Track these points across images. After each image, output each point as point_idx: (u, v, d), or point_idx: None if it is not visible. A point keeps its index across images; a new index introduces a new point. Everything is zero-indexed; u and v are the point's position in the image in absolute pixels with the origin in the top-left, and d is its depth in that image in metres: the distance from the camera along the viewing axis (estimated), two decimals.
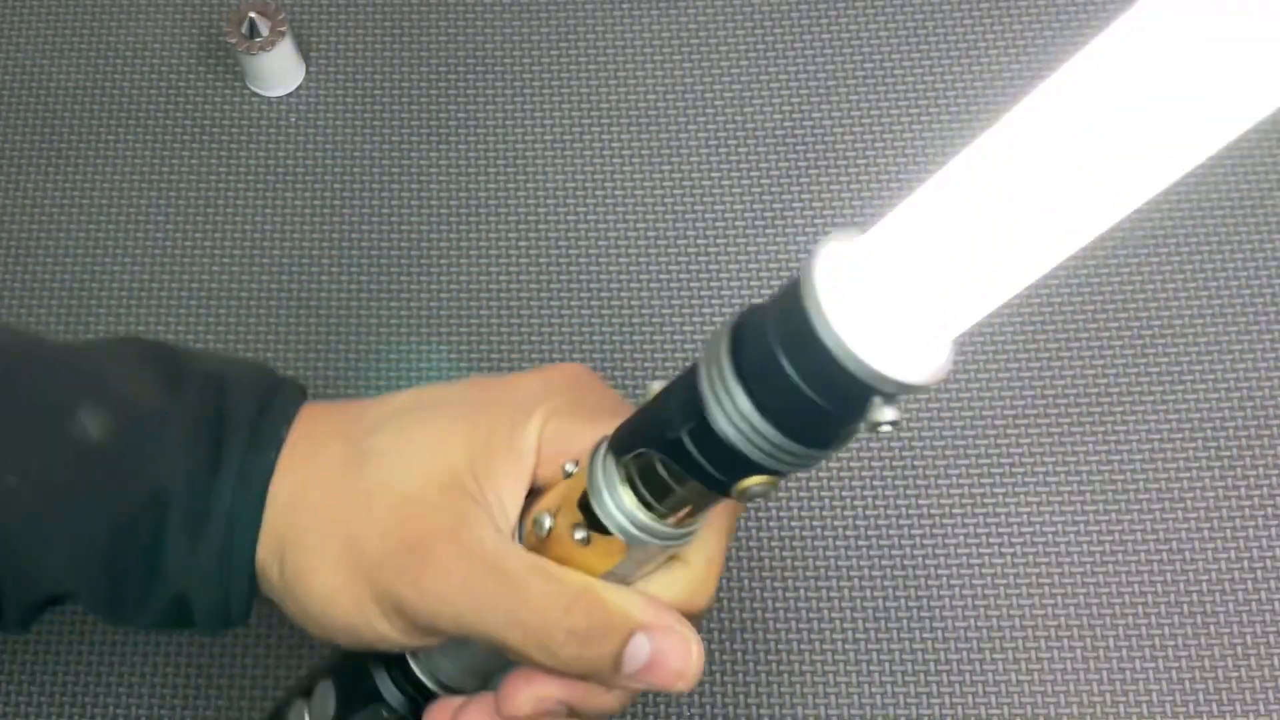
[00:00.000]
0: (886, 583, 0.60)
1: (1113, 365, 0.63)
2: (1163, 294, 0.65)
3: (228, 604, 0.39)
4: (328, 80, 0.71)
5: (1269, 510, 0.61)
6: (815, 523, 0.61)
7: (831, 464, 0.62)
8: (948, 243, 0.29)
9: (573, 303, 0.65)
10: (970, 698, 0.58)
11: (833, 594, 0.60)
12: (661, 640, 0.36)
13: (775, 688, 0.59)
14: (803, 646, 0.59)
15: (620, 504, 0.36)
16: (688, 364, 0.36)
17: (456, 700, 0.40)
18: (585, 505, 0.37)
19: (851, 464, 0.62)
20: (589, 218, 0.67)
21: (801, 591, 0.60)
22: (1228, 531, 0.60)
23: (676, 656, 0.36)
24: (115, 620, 0.40)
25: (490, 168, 0.69)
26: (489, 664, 0.41)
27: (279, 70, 0.69)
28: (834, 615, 0.60)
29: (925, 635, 0.59)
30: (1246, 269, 0.65)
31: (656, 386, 0.37)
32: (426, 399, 0.40)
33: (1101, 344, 0.64)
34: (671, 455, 0.35)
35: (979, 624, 0.59)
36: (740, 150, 0.68)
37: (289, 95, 0.71)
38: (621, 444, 0.36)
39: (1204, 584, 0.60)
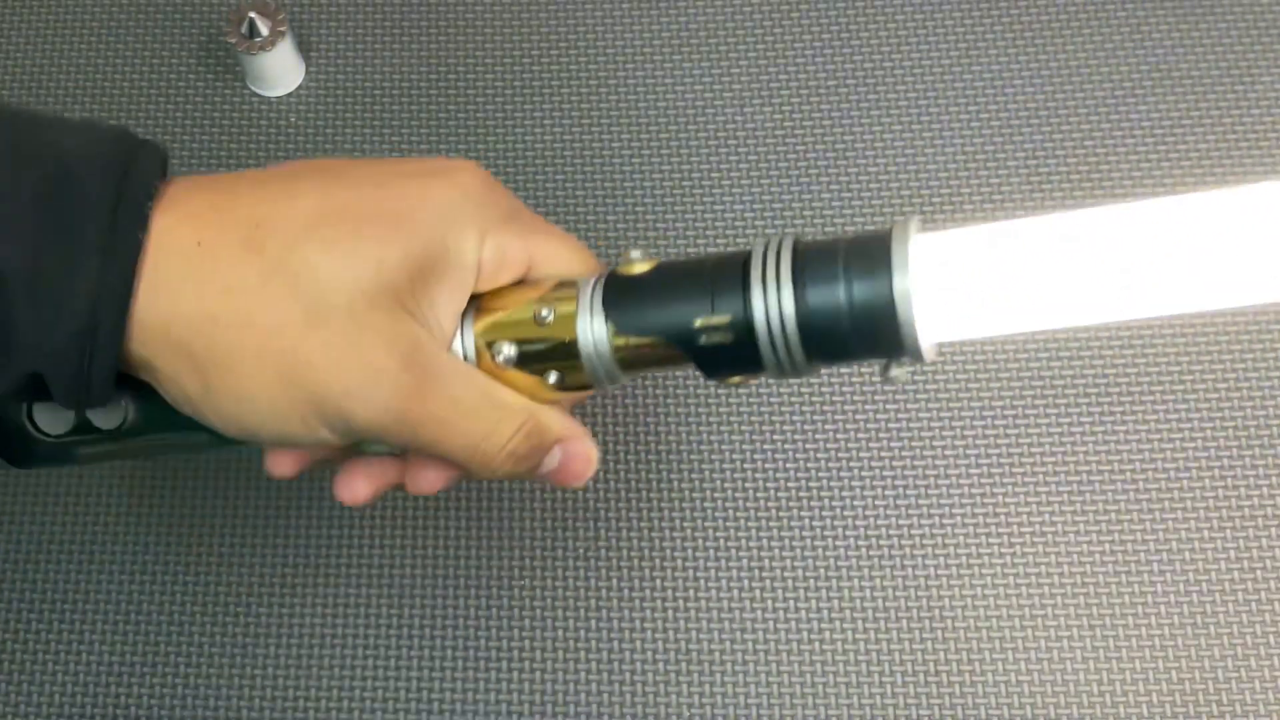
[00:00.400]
0: (886, 583, 0.60)
1: (1113, 365, 0.63)
2: None
3: (89, 384, 0.38)
4: (328, 80, 0.71)
5: (1269, 510, 0.61)
6: (815, 523, 0.61)
7: (832, 463, 0.62)
8: (1000, 269, 0.37)
9: None
10: (970, 698, 0.58)
11: (833, 594, 0.60)
12: (571, 448, 0.42)
13: (775, 688, 0.59)
14: (803, 647, 0.59)
15: (610, 370, 0.41)
16: (704, 256, 0.41)
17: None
18: (562, 354, 0.41)
19: (852, 464, 0.62)
20: (588, 218, 0.67)
21: (801, 592, 0.60)
22: (1228, 531, 0.60)
23: (581, 461, 0.42)
24: None
25: (490, 167, 0.69)
26: None
27: (279, 70, 0.69)
28: (834, 615, 0.60)
29: (925, 635, 0.59)
30: None
31: (638, 255, 0.41)
32: (339, 206, 0.39)
33: (1102, 343, 0.64)
34: (689, 351, 0.40)
35: (979, 624, 0.59)
36: (740, 150, 0.68)
37: (289, 95, 0.71)
38: (632, 324, 0.40)
39: (1204, 584, 0.60)
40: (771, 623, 0.60)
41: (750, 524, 0.61)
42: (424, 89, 0.71)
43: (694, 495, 0.62)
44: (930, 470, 0.62)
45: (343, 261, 0.38)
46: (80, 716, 0.59)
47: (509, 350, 0.41)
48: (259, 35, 0.67)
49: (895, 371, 0.39)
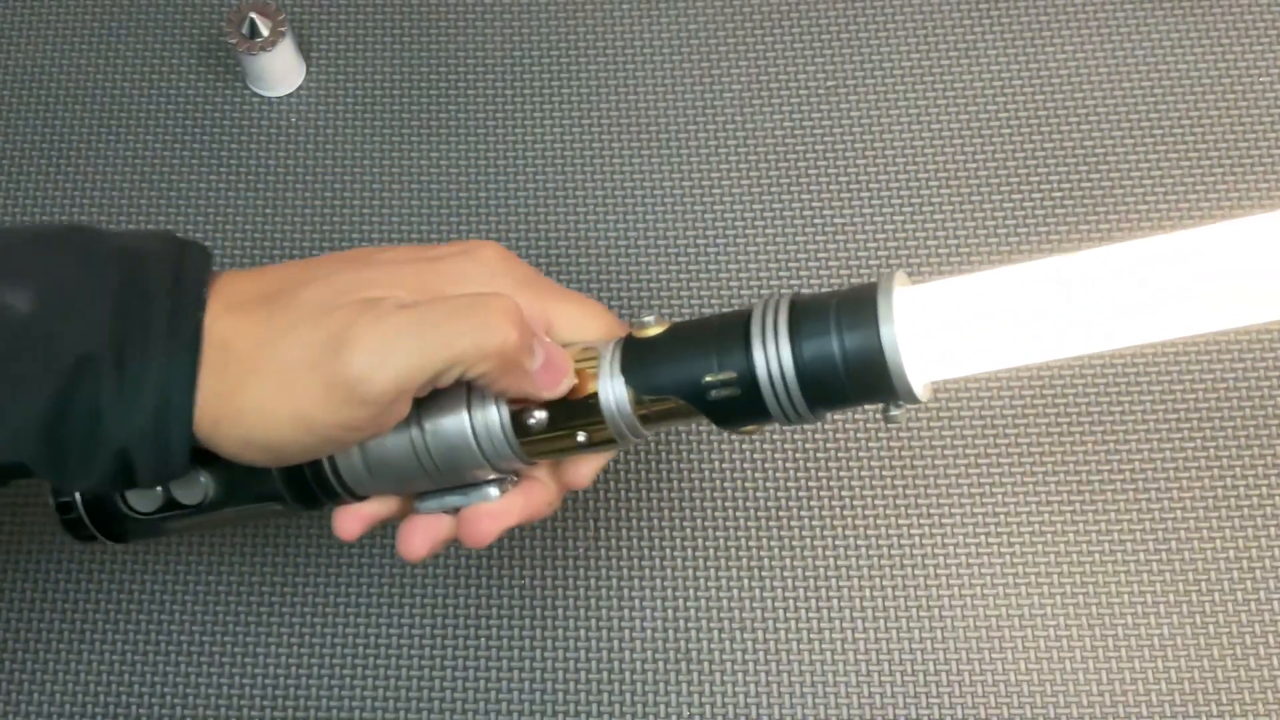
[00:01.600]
0: (886, 583, 0.60)
1: (1112, 364, 0.63)
2: None
3: (168, 454, 0.42)
4: (328, 80, 0.71)
5: (1269, 510, 0.61)
6: (815, 522, 0.61)
7: (831, 463, 0.62)
8: (976, 315, 0.42)
9: None
10: (970, 698, 0.58)
11: (832, 594, 0.60)
12: (551, 351, 0.44)
13: (775, 688, 0.59)
14: (802, 646, 0.59)
15: (632, 426, 0.45)
16: (715, 316, 0.45)
17: (366, 507, 0.48)
18: (587, 415, 0.45)
19: (851, 464, 0.62)
20: (589, 218, 0.67)
21: (801, 591, 0.60)
22: (1227, 531, 0.60)
23: (558, 361, 0.45)
24: (64, 481, 0.43)
25: (490, 168, 0.69)
26: (407, 480, 0.47)
27: (279, 70, 0.69)
28: (834, 615, 0.60)
29: (925, 635, 0.59)
30: None
31: (651, 319, 0.45)
32: (356, 269, 0.44)
33: None
34: (701, 405, 0.44)
35: (979, 624, 0.59)
36: (740, 150, 0.68)
37: (289, 95, 0.71)
38: (649, 384, 0.44)
39: (1204, 584, 0.60)
40: (771, 623, 0.60)
41: (750, 524, 0.61)
42: (424, 89, 0.71)
43: (694, 495, 0.62)
44: (930, 470, 0.62)
45: (342, 293, 0.43)
46: (80, 715, 0.59)
47: (540, 415, 0.45)
48: (259, 35, 0.67)
49: (895, 412, 0.43)
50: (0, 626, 0.61)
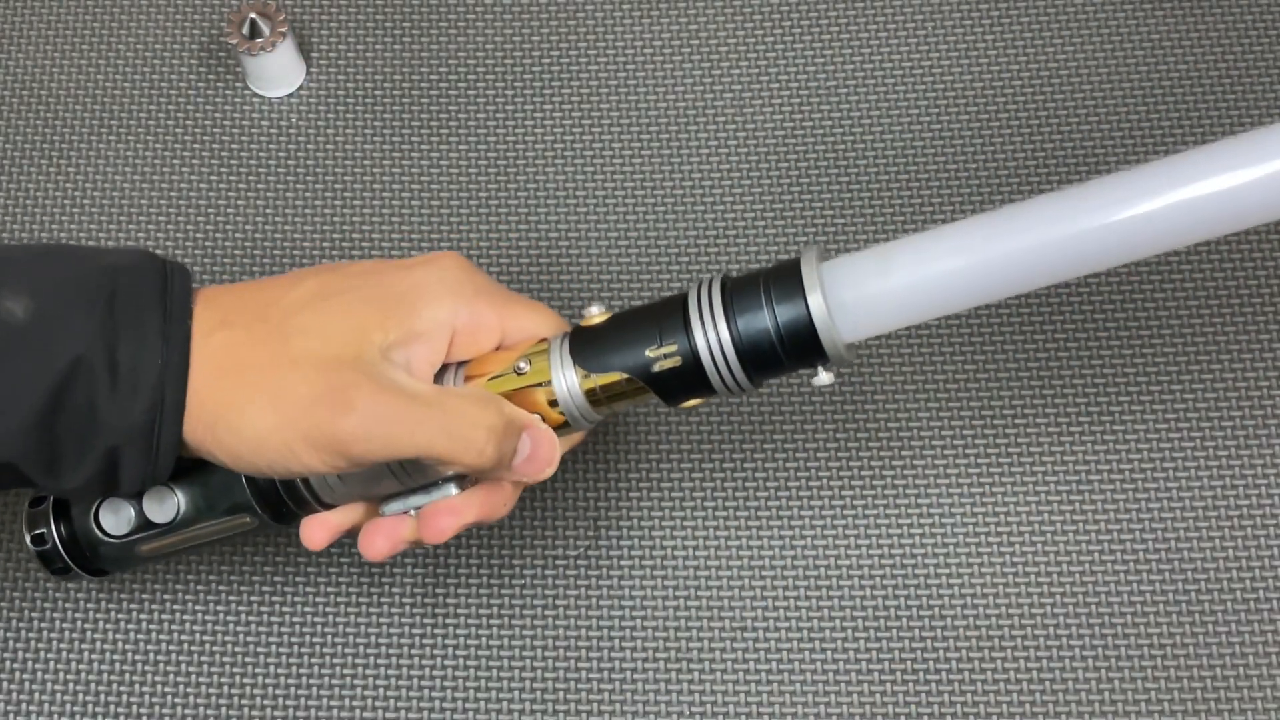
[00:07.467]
0: (886, 582, 0.60)
1: (1112, 364, 0.63)
2: (1161, 293, 0.65)
3: (158, 453, 0.45)
4: (328, 80, 0.71)
5: (1268, 510, 0.61)
6: (815, 522, 0.61)
7: (831, 463, 0.62)
8: (887, 279, 0.46)
9: (573, 303, 0.66)
10: (970, 697, 0.58)
11: (833, 594, 0.60)
12: (537, 436, 0.48)
13: (775, 687, 0.59)
14: (803, 646, 0.59)
15: (582, 407, 0.48)
16: (653, 300, 0.49)
17: (333, 516, 0.50)
18: (546, 401, 0.48)
19: (851, 463, 0.62)
20: (589, 218, 0.67)
21: (801, 591, 0.60)
22: (1227, 531, 0.61)
23: (546, 447, 0.48)
24: (53, 481, 0.45)
25: (490, 168, 0.69)
26: (374, 482, 0.49)
27: (280, 71, 0.69)
28: (834, 615, 0.60)
29: (925, 635, 0.59)
30: (1245, 268, 0.65)
31: (596, 310, 0.49)
32: (335, 289, 0.47)
33: (1101, 343, 0.64)
34: (647, 379, 0.47)
35: (979, 624, 0.59)
36: (740, 150, 0.69)
37: (289, 95, 0.71)
38: (595, 363, 0.47)
39: (1203, 583, 0.60)
40: (771, 622, 0.60)
41: (751, 523, 0.61)
42: (424, 89, 0.71)
43: (694, 495, 0.62)
44: (930, 470, 0.62)
45: (329, 323, 0.46)
46: (81, 715, 0.59)
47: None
48: (260, 36, 0.67)
49: (822, 378, 0.47)
50: (0, 626, 0.61)
